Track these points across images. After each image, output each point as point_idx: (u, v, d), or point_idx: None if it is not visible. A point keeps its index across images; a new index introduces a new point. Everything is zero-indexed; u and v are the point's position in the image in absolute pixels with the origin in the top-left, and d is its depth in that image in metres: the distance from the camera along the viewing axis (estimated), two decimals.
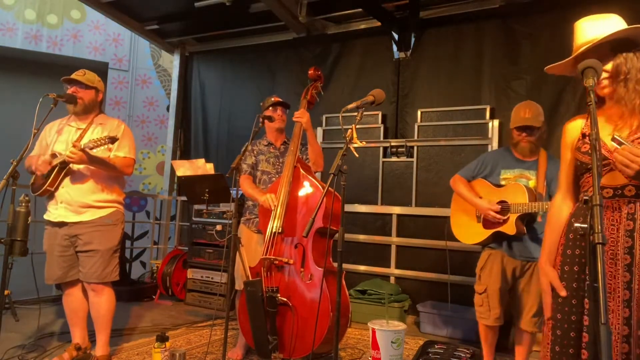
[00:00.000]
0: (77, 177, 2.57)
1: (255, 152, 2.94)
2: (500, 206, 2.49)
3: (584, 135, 1.51)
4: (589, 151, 1.46)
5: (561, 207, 1.59)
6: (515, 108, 2.62)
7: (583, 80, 1.27)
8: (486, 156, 2.78)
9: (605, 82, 1.45)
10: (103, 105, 2.81)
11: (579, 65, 1.31)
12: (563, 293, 1.43)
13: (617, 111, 1.45)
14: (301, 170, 2.65)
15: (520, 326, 2.54)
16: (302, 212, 2.56)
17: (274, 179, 2.84)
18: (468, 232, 2.69)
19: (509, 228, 2.46)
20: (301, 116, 2.73)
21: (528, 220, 2.51)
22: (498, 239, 2.55)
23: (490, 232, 2.54)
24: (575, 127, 1.59)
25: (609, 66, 1.44)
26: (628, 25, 1.46)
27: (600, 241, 1.04)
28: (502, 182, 2.62)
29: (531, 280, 2.51)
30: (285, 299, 2.43)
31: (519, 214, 2.43)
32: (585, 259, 1.44)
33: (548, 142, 3.85)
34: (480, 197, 2.62)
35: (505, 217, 2.48)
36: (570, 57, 1.53)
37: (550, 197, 2.49)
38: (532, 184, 2.54)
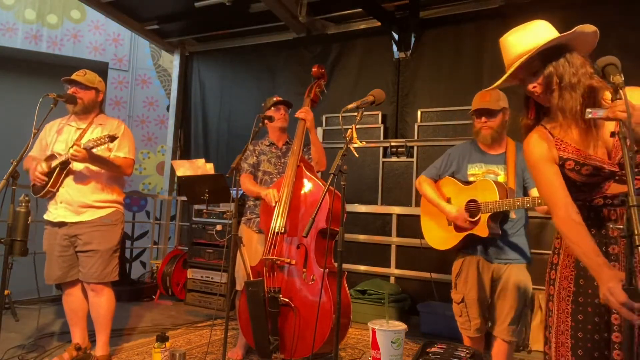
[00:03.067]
0: (77, 177, 2.57)
1: (256, 152, 2.93)
2: (468, 213, 2.31)
3: (561, 159, 1.43)
4: (593, 172, 1.40)
5: (571, 216, 1.39)
6: (476, 95, 2.44)
7: (605, 77, 1.23)
8: (452, 152, 2.55)
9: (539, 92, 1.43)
10: (103, 105, 2.81)
11: (598, 61, 1.26)
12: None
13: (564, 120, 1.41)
14: (304, 170, 2.64)
15: (495, 334, 2.35)
16: (304, 212, 2.56)
17: (275, 179, 2.84)
18: (440, 237, 2.49)
19: (481, 230, 2.27)
20: (306, 114, 2.71)
21: (502, 220, 2.32)
22: (471, 242, 2.36)
23: (462, 235, 2.36)
24: (543, 142, 1.46)
25: (540, 79, 1.41)
26: (553, 26, 1.45)
27: None
28: (471, 179, 2.42)
29: (509, 284, 2.30)
30: (287, 300, 2.43)
31: (490, 214, 2.24)
32: None
33: None
34: (449, 199, 2.43)
35: (476, 219, 2.28)
36: (505, 75, 1.51)
37: (525, 189, 2.33)
38: (501, 179, 2.34)
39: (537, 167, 1.47)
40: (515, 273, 2.32)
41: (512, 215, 2.34)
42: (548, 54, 1.39)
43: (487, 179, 2.33)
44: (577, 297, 1.43)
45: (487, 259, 2.35)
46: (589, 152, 1.40)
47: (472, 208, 2.32)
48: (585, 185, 1.43)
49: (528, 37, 1.43)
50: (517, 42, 1.45)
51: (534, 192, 2.29)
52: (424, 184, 2.54)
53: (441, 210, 2.44)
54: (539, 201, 2.04)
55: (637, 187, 1.37)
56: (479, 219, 2.29)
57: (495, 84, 1.50)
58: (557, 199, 1.41)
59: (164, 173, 6.16)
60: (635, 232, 1.03)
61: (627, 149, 1.12)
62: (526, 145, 1.51)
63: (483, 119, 2.36)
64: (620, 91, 1.17)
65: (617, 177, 1.38)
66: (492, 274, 2.35)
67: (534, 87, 1.43)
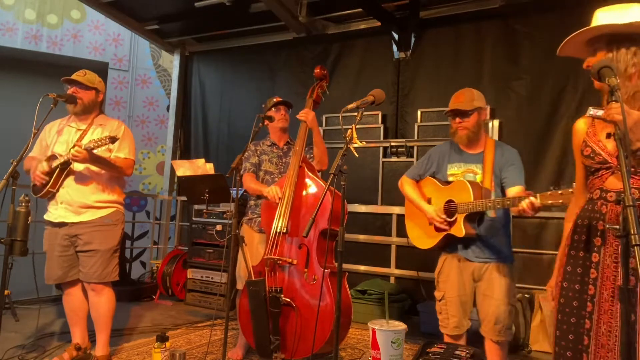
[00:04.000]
0: (77, 178, 2.57)
1: (258, 152, 2.93)
2: (444, 216, 2.32)
3: (583, 144, 1.54)
4: (590, 155, 1.50)
5: (574, 206, 1.64)
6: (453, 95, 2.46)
7: (599, 79, 1.27)
8: (432, 152, 2.58)
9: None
10: (103, 105, 2.81)
11: (593, 65, 1.30)
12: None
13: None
14: (306, 170, 2.64)
15: (483, 334, 2.35)
16: (306, 213, 2.55)
17: (276, 179, 2.84)
18: (422, 236, 2.50)
19: (457, 230, 2.27)
20: (306, 115, 2.72)
21: (479, 219, 2.32)
22: (451, 241, 2.38)
23: (441, 235, 2.37)
24: (579, 130, 1.59)
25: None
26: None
27: (638, 243, 1.04)
28: (450, 179, 2.43)
29: (491, 283, 2.30)
30: (288, 300, 2.43)
31: (465, 214, 2.25)
32: (589, 262, 1.46)
33: (548, 141, 3.86)
34: (429, 199, 2.45)
35: (453, 219, 2.30)
36: (562, 44, 1.54)
37: (502, 188, 2.33)
38: (479, 178, 2.35)
39: (574, 152, 1.63)
40: (497, 272, 2.31)
41: (492, 214, 2.33)
42: (618, 38, 1.43)
43: (462, 180, 2.34)
44: (562, 282, 1.54)
45: (468, 257, 2.36)
46: (598, 138, 1.49)
47: (450, 208, 2.34)
48: (587, 168, 1.54)
49: (620, 15, 1.45)
50: (600, 17, 1.49)
51: (510, 191, 2.29)
52: (405, 184, 2.58)
53: (420, 209, 2.47)
54: (508, 202, 2.04)
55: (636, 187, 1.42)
56: (456, 219, 2.30)
57: (559, 48, 1.57)
58: (576, 184, 1.64)
59: (164, 173, 6.16)
60: (632, 231, 1.05)
61: (622, 150, 1.15)
62: (573, 128, 1.65)
63: (457, 119, 2.39)
64: (616, 93, 1.19)
65: (613, 171, 1.45)
66: (473, 273, 2.36)
67: (588, 65, 1.48)
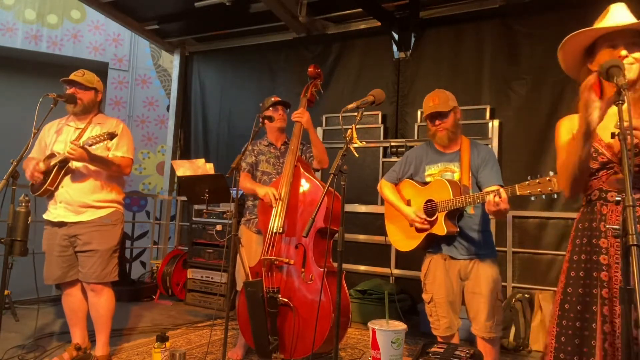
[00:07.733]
0: (76, 177, 2.56)
1: (255, 152, 2.93)
2: (425, 216, 2.32)
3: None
4: (593, 155, 1.46)
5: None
6: (424, 99, 2.47)
7: (609, 79, 1.24)
8: (409, 154, 2.58)
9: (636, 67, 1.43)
10: (103, 105, 2.81)
11: (602, 63, 1.27)
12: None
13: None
14: (301, 169, 2.64)
15: (474, 333, 2.34)
16: (302, 212, 2.56)
17: (274, 179, 2.83)
18: (404, 238, 2.49)
19: (439, 228, 2.27)
20: (301, 115, 2.71)
21: (458, 216, 2.33)
22: (433, 241, 2.37)
23: (423, 235, 2.36)
24: (571, 119, 1.56)
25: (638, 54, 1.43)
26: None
27: (635, 243, 1.03)
28: (428, 179, 2.44)
29: (478, 280, 2.30)
30: (286, 300, 2.43)
31: (446, 212, 2.25)
32: (597, 265, 1.44)
33: (548, 141, 3.85)
34: (408, 201, 2.45)
35: (434, 218, 2.29)
36: (597, 28, 1.46)
37: (479, 186, 2.34)
38: (457, 176, 2.36)
39: (558, 134, 1.60)
40: (483, 269, 2.31)
41: (471, 211, 2.34)
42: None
43: (441, 179, 2.35)
44: (566, 287, 1.51)
45: (452, 255, 2.35)
46: (599, 137, 1.46)
47: (430, 208, 2.34)
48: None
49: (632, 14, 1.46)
50: (624, 12, 1.46)
51: (487, 189, 2.28)
52: (384, 188, 2.57)
53: (400, 212, 2.46)
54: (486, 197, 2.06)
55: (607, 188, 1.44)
56: (437, 218, 2.30)
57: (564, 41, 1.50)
58: (559, 156, 1.55)
59: (164, 173, 6.16)
60: (630, 232, 1.05)
61: (627, 150, 1.13)
62: (558, 123, 1.65)
63: (437, 122, 2.39)
64: (624, 93, 1.17)
65: (615, 171, 1.44)
66: (460, 271, 2.36)
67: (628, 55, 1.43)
